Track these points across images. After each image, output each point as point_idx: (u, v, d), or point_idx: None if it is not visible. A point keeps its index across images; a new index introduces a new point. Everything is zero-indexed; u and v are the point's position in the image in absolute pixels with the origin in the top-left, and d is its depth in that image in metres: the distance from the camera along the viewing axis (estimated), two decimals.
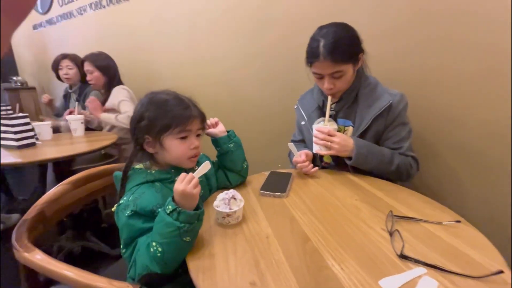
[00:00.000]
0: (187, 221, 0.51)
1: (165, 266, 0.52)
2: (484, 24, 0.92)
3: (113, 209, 0.61)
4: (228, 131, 0.82)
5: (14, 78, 3.19)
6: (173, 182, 0.64)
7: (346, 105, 0.95)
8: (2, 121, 1.24)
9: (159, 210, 0.54)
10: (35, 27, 2.99)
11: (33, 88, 3.23)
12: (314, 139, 0.88)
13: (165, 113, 0.63)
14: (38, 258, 0.56)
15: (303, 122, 1.07)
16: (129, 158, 0.66)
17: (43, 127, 1.38)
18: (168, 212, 0.51)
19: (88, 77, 1.70)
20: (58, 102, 2.08)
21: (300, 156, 0.89)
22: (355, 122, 0.92)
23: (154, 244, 0.52)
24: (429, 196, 0.72)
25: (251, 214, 0.66)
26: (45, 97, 2.01)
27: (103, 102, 1.71)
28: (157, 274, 0.53)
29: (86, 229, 1.53)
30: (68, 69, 1.85)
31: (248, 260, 0.50)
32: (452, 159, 1.07)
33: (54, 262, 0.55)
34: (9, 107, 1.92)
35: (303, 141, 1.13)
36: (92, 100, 1.63)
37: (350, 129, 0.95)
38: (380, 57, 1.05)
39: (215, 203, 0.62)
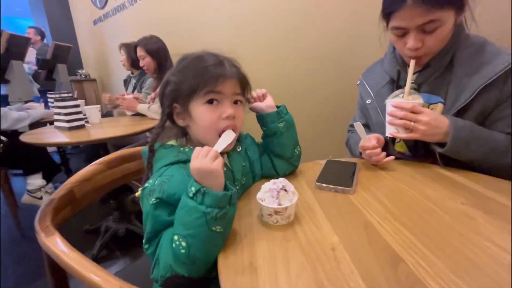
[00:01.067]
0: (215, 204, 0.38)
1: (192, 267, 0.39)
2: None
3: (137, 194, 0.49)
4: (278, 107, 0.64)
5: (79, 71, 3.51)
6: None
7: (434, 75, 0.70)
8: (56, 104, 1.28)
9: (183, 196, 0.41)
10: (95, 22, 3.22)
11: (94, 80, 3.53)
12: (388, 118, 0.66)
13: (192, 73, 0.50)
14: (54, 244, 0.48)
15: (368, 101, 0.84)
16: (155, 130, 0.53)
17: (92, 111, 1.40)
18: (191, 195, 0.39)
19: (141, 64, 1.65)
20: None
21: (370, 140, 0.68)
22: (448, 98, 0.67)
23: (176, 238, 0.39)
24: None
25: (307, 212, 0.49)
26: (104, 97, 2.01)
27: (155, 88, 1.68)
28: (183, 279, 0.40)
29: (131, 212, 1.55)
30: (121, 56, 1.91)
31: (308, 282, 0.33)
32: None
33: (68, 251, 0.46)
34: (69, 94, 2.06)
35: (367, 127, 0.90)
36: (125, 101, 1.60)
37: (439, 106, 0.70)
38: None
39: (259, 194, 0.46)
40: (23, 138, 1.17)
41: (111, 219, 1.49)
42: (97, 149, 1.91)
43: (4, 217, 1.78)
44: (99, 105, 1.49)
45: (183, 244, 0.39)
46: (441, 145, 0.63)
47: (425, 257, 0.36)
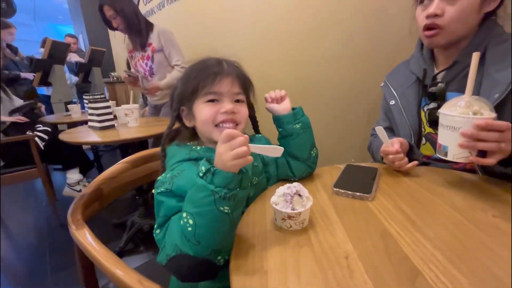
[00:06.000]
0: (224, 185, 0.38)
1: (197, 246, 0.39)
2: None
3: (153, 190, 0.52)
4: (293, 109, 0.64)
5: (112, 73, 3.74)
6: None
7: (463, 72, 0.65)
8: (90, 106, 1.38)
9: (195, 174, 0.42)
10: None
11: (125, 82, 3.75)
12: (463, 140, 0.50)
13: (194, 75, 0.54)
14: (83, 237, 0.52)
15: (392, 102, 0.81)
16: (166, 132, 0.58)
17: (121, 112, 1.49)
18: (201, 174, 0.40)
19: (114, 24, 1.53)
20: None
21: (393, 144, 0.65)
22: (481, 94, 0.62)
23: (184, 215, 0.40)
24: None
25: (322, 218, 0.48)
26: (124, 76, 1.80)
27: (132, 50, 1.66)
28: (188, 259, 0.40)
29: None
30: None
31: None
32: None
33: (94, 243, 0.49)
34: (103, 96, 2.20)
35: (391, 130, 0.86)
36: (148, 89, 1.62)
37: None
38: None
39: (273, 198, 0.46)
40: (61, 137, 1.27)
41: (137, 214, 1.57)
42: (127, 147, 2.02)
43: (44, 207, 1.95)
44: (137, 105, 1.47)
45: (190, 221, 0.39)
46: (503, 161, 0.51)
47: (447, 271, 0.34)
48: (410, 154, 0.69)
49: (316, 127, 1.39)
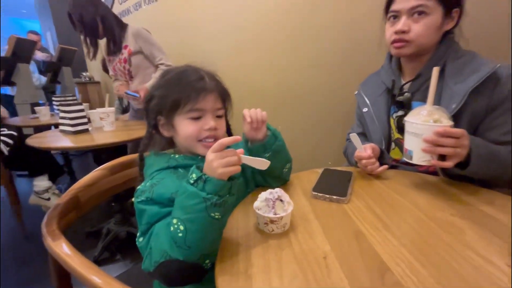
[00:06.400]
0: (215, 192, 0.40)
1: (188, 251, 0.41)
2: None
3: (133, 199, 0.52)
4: (268, 132, 0.61)
5: (84, 73, 3.56)
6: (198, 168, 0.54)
7: (426, 84, 0.72)
8: (61, 108, 1.31)
9: (184, 182, 0.43)
10: None
11: (98, 83, 3.57)
12: (425, 145, 0.56)
13: (174, 88, 0.53)
14: (60, 248, 0.51)
15: (365, 109, 0.87)
16: (142, 142, 0.58)
17: (96, 115, 1.43)
18: (191, 181, 0.41)
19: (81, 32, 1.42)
20: None
21: (365, 150, 0.70)
22: (441, 104, 0.69)
23: (175, 221, 0.41)
24: None
25: (302, 221, 0.51)
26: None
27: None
28: (177, 264, 0.41)
29: (132, 215, 1.57)
30: None
31: None
32: None
33: (73, 255, 0.48)
34: (74, 97, 2.10)
35: (364, 135, 0.92)
36: (137, 99, 1.51)
37: None
38: None
39: (256, 203, 0.48)
40: (29, 142, 1.20)
41: (113, 222, 1.51)
42: (100, 152, 1.93)
43: (8, 217, 1.81)
44: (113, 108, 1.40)
45: (181, 227, 0.40)
46: (459, 165, 0.58)
47: (411, 266, 0.38)
48: (381, 158, 0.75)
49: (295, 131, 1.44)
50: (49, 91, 2.99)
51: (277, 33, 1.45)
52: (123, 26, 1.52)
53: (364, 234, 0.46)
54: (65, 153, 2.40)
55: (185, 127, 0.54)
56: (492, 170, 0.60)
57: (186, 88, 0.52)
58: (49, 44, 4.45)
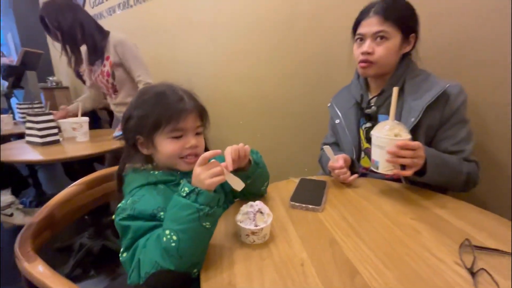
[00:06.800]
0: (207, 203, 0.44)
1: (180, 260, 0.43)
2: None
3: (113, 216, 0.53)
4: (250, 159, 0.63)
5: (50, 78, 3.36)
6: (178, 184, 0.55)
7: (389, 99, 0.80)
8: (28, 118, 1.24)
9: (175, 195, 0.46)
10: None
11: (66, 88, 3.38)
12: (389, 157, 0.62)
13: (154, 109, 0.55)
14: (37, 271, 0.49)
15: (337, 121, 0.93)
16: (122, 160, 0.60)
17: (68, 125, 1.37)
18: (183, 194, 0.44)
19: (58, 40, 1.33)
20: None
21: (337, 160, 0.76)
22: (402, 118, 0.77)
23: (167, 232, 0.43)
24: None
25: (281, 231, 0.54)
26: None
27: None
28: (168, 274, 0.43)
29: (107, 227, 1.51)
30: None
31: None
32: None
33: (52, 276, 0.47)
34: (41, 105, 1.98)
35: (337, 144, 0.99)
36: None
37: None
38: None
39: (238, 217, 0.51)
40: None
41: (86, 236, 1.45)
42: (72, 162, 1.83)
43: None
44: (87, 118, 1.34)
45: (174, 237, 0.43)
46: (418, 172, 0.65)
47: (378, 269, 0.43)
48: (352, 167, 0.81)
49: (273, 139, 1.48)
50: (9, 96, 2.77)
51: (255, 44, 1.50)
52: (104, 34, 1.40)
53: (337, 241, 0.50)
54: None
55: (167, 147, 0.56)
56: (445, 176, 0.68)
57: (167, 109, 0.54)
58: (11, 47, 4.14)
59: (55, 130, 1.28)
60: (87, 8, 2.72)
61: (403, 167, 0.64)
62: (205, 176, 0.45)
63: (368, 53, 0.77)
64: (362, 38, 0.79)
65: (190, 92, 0.59)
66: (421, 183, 0.71)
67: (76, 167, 1.60)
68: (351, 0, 1.10)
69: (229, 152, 0.55)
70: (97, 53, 1.40)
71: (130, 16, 2.28)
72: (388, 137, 0.63)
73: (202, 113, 0.59)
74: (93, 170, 1.84)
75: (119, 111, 1.54)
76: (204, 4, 1.67)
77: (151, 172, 0.58)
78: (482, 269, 0.40)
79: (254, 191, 0.66)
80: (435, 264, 0.44)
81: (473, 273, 0.40)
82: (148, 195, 0.52)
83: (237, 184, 0.51)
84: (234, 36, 1.58)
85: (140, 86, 1.41)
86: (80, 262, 1.34)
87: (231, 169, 0.51)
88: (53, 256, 1.43)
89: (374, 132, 0.66)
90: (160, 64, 2.05)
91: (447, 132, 0.74)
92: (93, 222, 1.46)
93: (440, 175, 0.67)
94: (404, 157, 0.61)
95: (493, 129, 0.90)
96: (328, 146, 0.75)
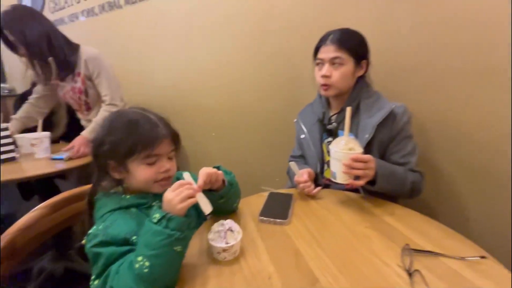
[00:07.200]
0: (178, 228, 0.46)
1: (153, 284, 0.45)
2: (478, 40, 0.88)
3: (83, 242, 0.53)
4: (224, 180, 0.66)
5: (2, 85, 3.08)
6: (150, 207, 0.57)
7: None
8: None
9: (146, 221, 0.48)
10: None
11: None
12: (344, 168, 0.70)
13: (129, 136, 0.56)
14: None
15: (303, 136, 1.01)
16: (93, 186, 0.61)
17: (25, 141, 1.28)
18: (155, 221, 0.46)
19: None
20: None
21: (302, 175, 0.82)
22: (358, 134, 0.87)
23: (140, 259, 0.45)
24: (425, 213, 0.68)
25: (250, 246, 0.58)
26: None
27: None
28: None
29: (70, 248, 1.43)
30: None
31: None
32: (451, 174, 1.04)
33: None
34: None
35: (303, 157, 1.07)
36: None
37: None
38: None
39: (210, 235, 0.54)
40: None
41: (47, 258, 1.35)
42: (29, 184, 1.69)
43: None
44: (47, 133, 1.24)
45: (147, 263, 0.44)
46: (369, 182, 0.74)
47: (334, 275, 0.49)
48: (317, 179, 0.89)
49: (245, 152, 1.52)
50: None
51: (229, 57, 1.54)
52: (74, 47, 1.31)
53: (301, 252, 0.56)
54: None
55: (142, 172, 0.57)
56: (392, 185, 0.78)
57: (141, 137, 0.56)
58: None
59: (11, 147, 1.19)
60: (46, 13, 2.57)
61: (357, 177, 0.73)
62: (176, 201, 0.48)
63: (327, 77, 0.86)
64: (321, 63, 0.88)
65: (163, 118, 0.62)
66: (375, 192, 0.80)
67: (35, 188, 1.49)
68: (316, 22, 1.21)
69: (202, 174, 0.58)
70: (68, 68, 1.30)
71: (95, 24, 2.20)
72: (343, 151, 0.72)
73: (175, 139, 0.62)
74: (55, 188, 1.72)
75: None
76: (177, 15, 1.69)
77: (123, 196, 0.59)
78: (416, 270, 0.48)
79: (227, 209, 0.70)
80: (381, 267, 0.51)
81: (410, 274, 0.48)
82: (120, 219, 0.54)
83: (206, 207, 0.53)
84: (208, 48, 1.61)
85: (104, 107, 1.33)
86: None
87: (199, 191, 0.53)
88: (10, 284, 1.31)
89: (331, 147, 0.75)
90: (129, 77, 2.01)
91: (395, 147, 0.85)
92: (54, 244, 1.37)
93: (389, 184, 0.77)
94: (357, 169, 0.70)
95: (435, 142, 1.04)
96: (293, 162, 0.82)
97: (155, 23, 1.79)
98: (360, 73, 0.89)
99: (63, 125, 1.69)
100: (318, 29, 0.93)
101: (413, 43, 1.02)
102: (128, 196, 0.59)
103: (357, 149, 0.72)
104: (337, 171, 0.74)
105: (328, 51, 0.85)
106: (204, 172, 0.59)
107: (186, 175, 0.55)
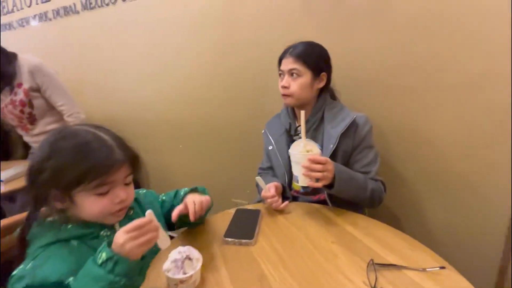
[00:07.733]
0: (125, 273, 0.39)
1: None
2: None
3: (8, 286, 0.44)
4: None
5: None
6: (96, 237, 0.49)
7: (313, 127, 0.92)
8: None
9: (89, 260, 0.40)
10: None
11: None
12: (304, 171, 0.70)
13: (76, 162, 0.46)
14: None
15: (270, 147, 1.00)
16: (27, 220, 0.49)
17: None
18: (100, 262, 0.39)
19: None
20: None
21: (269, 189, 0.80)
22: (323, 143, 0.88)
23: None
24: (391, 222, 0.69)
25: (212, 272, 0.54)
26: None
27: None
28: None
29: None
30: None
31: None
32: (413, 182, 1.08)
33: None
34: None
35: (271, 169, 1.05)
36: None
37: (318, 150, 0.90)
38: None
39: (165, 265, 0.49)
40: None
41: None
42: None
43: None
44: None
45: None
46: (328, 185, 0.75)
47: None
48: (284, 192, 0.87)
49: (213, 163, 1.47)
50: None
51: (194, 67, 1.50)
52: (10, 57, 1.21)
53: (266, 275, 0.53)
54: None
55: (92, 205, 0.48)
56: (352, 190, 0.79)
57: (93, 163, 0.47)
58: None
59: None
60: None
61: (317, 180, 0.72)
62: (131, 246, 0.40)
63: (285, 87, 0.88)
64: (282, 74, 0.89)
65: (120, 138, 0.52)
66: (343, 203, 0.81)
67: None
68: (280, 34, 1.22)
69: (191, 204, 0.55)
70: (5, 79, 1.19)
71: (48, 30, 2.04)
72: (302, 153, 0.72)
73: (133, 161, 0.53)
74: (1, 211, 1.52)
75: (37, 142, 1.33)
76: (140, 26, 1.61)
77: (62, 226, 0.49)
78: None
79: (197, 222, 0.66)
80: (346, 285, 0.50)
81: None
82: (55, 257, 0.45)
83: (163, 243, 0.48)
84: (172, 60, 1.56)
85: (67, 117, 1.27)
86: None
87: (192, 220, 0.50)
88: None
89: (291, 151, 0.75)
90: (86, 88, 1.87)
91: (357, 156, 0.87)
92: None
93: (348, 188, 0.77)
94: (316, 171, 0.69)
95: (396, 150, 1.09)
96: (259, 177, 0.80)
97: (117, 31, 1.70)
98: (320, 85, 0.90)
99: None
100: (283, 41, 0.93)
101: (374, 57, 1.06)
102: (69, 226, 0.50)
103: (315, 150, 0.73)
104: (298, 174, 0.73)
105: (287, 63, 0.87)
106: (192, 203, 0.55)
107: (149, 214, 0.46)
